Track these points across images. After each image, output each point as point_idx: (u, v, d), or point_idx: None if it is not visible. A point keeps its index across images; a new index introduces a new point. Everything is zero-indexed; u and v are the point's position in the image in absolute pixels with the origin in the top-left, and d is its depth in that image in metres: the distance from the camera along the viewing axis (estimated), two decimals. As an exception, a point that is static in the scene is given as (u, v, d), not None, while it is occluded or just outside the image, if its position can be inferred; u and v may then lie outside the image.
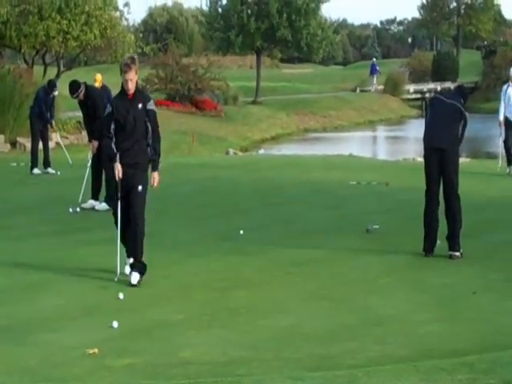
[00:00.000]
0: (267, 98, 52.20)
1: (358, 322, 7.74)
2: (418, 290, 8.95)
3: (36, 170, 18.91)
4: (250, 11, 50.91)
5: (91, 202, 14.05)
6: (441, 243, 10.54)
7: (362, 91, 62.58)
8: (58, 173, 18.88)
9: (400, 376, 5.75)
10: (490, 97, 57.56)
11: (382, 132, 52.06)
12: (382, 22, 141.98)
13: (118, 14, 33.74)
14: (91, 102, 13.79)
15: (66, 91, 14.51)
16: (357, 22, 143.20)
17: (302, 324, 7.72)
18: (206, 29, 54.74)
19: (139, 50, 33.54)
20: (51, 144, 20.93)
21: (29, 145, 20.69)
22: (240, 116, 44.37)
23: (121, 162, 9.11)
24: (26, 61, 33.48)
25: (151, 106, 9.23)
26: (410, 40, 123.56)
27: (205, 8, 55.10)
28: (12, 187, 17.07)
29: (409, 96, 65.05)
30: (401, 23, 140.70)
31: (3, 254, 10.61)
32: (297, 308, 8.27)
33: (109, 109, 9.27)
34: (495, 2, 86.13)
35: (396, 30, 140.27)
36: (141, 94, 9.37)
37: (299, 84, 64.46)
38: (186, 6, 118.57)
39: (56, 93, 19.31)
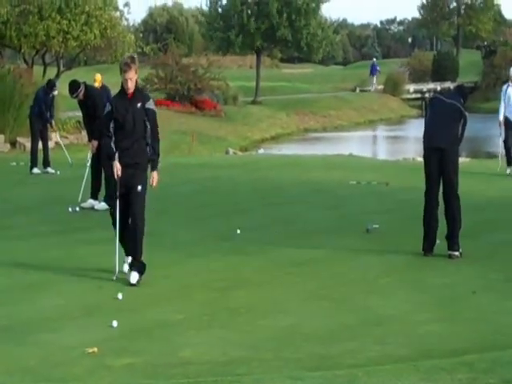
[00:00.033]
0: (267, 98, 52.20)
1: (358, 322, 7.74)
2: (417, 289, 8.95)
3: (36, 170, 18.92)
4: (250, 11, 50.90)
5: (91, 202, 14.05)
6: (440, 242, 10.54)
7: (361, 91, 62.59)
8: (58, 172, 18.88)
9: (400, 376, 5.75)
10: (490, 96, 57.58)
11: (382, 132, 52.05)
12: (382, 22, 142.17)
13: (118, 13, 33.79)
14: (91, 101, 13.79)
15: (66, 91, 14.51)
16: (357, 22, 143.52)
17: (301, 324, 7.72)
18: (205, 29, 54.73)
19: (139, 50, 33.55)
20: (51, 144, 20.94)
21: (28, 144, 20.69)
22: (240, 116, 44.37)
23: (120, 161, 9.10)
24: (25, 61, 33.49)
25: (150, 105, 9.22)
26: (410, 40, 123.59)
27: (205, 8, 55.10)
28: (12, 187, 17.07)
29: (409, 96, 65.06)
30: (401, 23, 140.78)
31: (3, 253, 10.61)
32: (297, 308, 8.27)
33: (108, 108, 9.26)
34: (495, 2, 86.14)
35: (396, 30, 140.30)
36: (140, 94, 9.35)
37: (299, 84, 64.47)
38: (186, 6, 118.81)
39: (55, 92, 19.31)
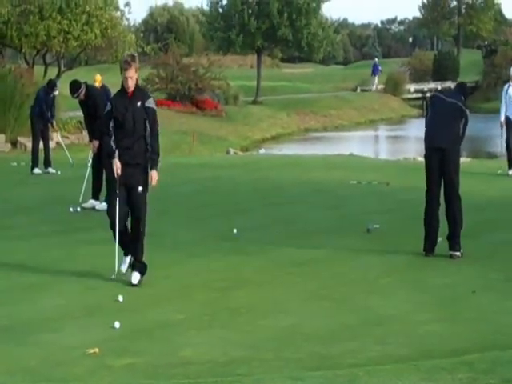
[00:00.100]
0: (268, 98, 52.19)
1: (359, 322, 7.75)
2: (418, 289, 8.96)
3: (36, 170, 18.92)
4: (250, 11, 50.92)
5: (92, 202, 14.06)
6: (442, 241, 10.54)
7: (362, 91, 62.59)
8: (59, 172, 18.89)
9: (400, 375, 5.76)
10: (491, 96, 57.58)
11: (382, 131, 52.05)
12: (382, 22, 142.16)
13: (118, 13, 33.78)
14: (92, 101, 13.80)
15: (67, 91, 14.51)
16: (357, 22, 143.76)
17: (302, 324, 7.72)
18: (206, 28, 54.74)
19: (140, 50, 33.55)
20: (52, 144, 20.94)
21: (29, 144, 20.70)
22: (240, 116, 44.37)
23: (120, 160, 9.05)
24: (26, 61, 33.48)
25: (150, 103, 9.15)
26: (410, 39, 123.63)
27: (205, 8, 55.15)
28: (13, 187, 17.08)
29: (409, 95, 65.02)
30: (401, 23, 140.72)
31: (4, 253, 10.61)
32: (297, 308, 8.28)
33: (108, 106, 9.24)
34: (496, 2, 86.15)
35: (397, 30, 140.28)
36: (140, 92, 9.29)
37: (300, 83, 64.46)
38: (186, 5, 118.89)
39: (56, 92, 19.32)
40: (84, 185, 14.54)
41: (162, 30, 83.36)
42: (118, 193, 9.09)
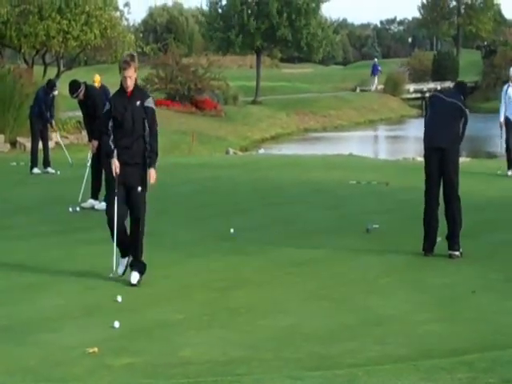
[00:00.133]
0: (267, 98, 52.20)
1: (358, 322, 7.75)
2: (417, 289, 8.96)
3: (36, 170, 18.92)
4: (250, 11, 50.91)
5: (91, 202, 14.06)
6: (441, 240, 10.54)
7: (362, 91, 62.60)
8: (58, 172, 18.89)
9: (400, 375, 5.76)
10: (490, 96, 57.62)
11: (382, 131, 52.06)
12: (382, 22, 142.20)
13: (118, 13, 33.79)
14: (91, 101, 13.80)
15: (66, 91, 14.51)
16: (357, 22, 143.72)
17: (301, 324, 7.72)
18: (205, 29, 54.73)
19: (139, 50, 33.53)
20: (51, 144, 20.94)
21: (29, 144, 20.70)
22: (240, 116, 44.38)
23: (119, 160, 9.03)
24: (26, 61, 33.48)
25: (149, 103, 9.13)
26: (410, 40, 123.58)
27: (205, 8, 55.12)
28: (12, 187, 17.08)
29: (409, 96, 65.07)
30: (401, 23, 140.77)
31: (3, 253, 10.61)
32: (297, 308, 8.28)
33: (107, 106, 9.22)
34: (495, 2, 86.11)
35: (396, 30, 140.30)
36: (139, 92, 9.27)
37: (299, 84, 64.47)
38: (186, 5, 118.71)
39: (56, 92, 19.31)
40: (83, 185, 14.54)
41: (161, 30, 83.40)
42: (116, 192, 9.08)
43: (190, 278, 9.47)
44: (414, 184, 14.32)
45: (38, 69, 32.96)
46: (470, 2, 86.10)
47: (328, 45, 54.39)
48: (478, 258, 10.42)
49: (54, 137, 22.62)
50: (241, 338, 7.27)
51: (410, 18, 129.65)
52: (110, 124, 9.12)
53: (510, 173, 18.43)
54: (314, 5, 51.47)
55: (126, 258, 9.30)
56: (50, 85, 19.16)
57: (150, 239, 9.64)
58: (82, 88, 13.87)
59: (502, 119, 18.54)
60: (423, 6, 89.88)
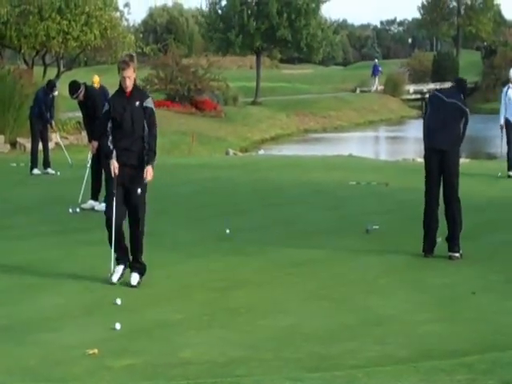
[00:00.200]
0: (267, 99, 52.20)
1: (358, 322, 7.75)
2: (417, 290, 8.96)
3: (36, 171, 18.92)
4: (249, 11, 50.91)
5: (91, 203, 14.06)
6: (441, 241, 10.53)
7: (361, 92, 62.60)
8: (58, 173, 18.89)
9: (400, 377, 5.76)
10: (490, 97, 57.66)
11: (381, 132, 52.07)
12: (381, 23, 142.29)
13: (118, 14, 33.74)
14: (91, 102, 13.80)
15: (66, 92, 14.51)
16: (357, 23, 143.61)
17: (301, 324, 7.72)
18: (205, 30, 54.73)
19: (139, 51, 33.49)
20: (51, 144, 20.94)
21: (29, 145, 20.70)
22: (240, 116, 44.37)
23: (119, 161, 9.00)
24: (25, 61, 33.47)
25: (149, 103, 9.08)
26: (409, 40, 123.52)
27: (204, 8, 55.08)
28: (12, 187, 17.08)
29: (409, 96, 65.06)
30: (401, 24, 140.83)
31: (3, 253, 10.61)
32: (297, 308, 8.28)
33: (106, 107, 9.19)
34: (495, 3, 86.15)
35: (396, 31, 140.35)
36: (139, 92, 9.22)
37: (299, 84, 64.48)
38: (186, 6, 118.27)
39: (56, 93, 19.30)
40: (83, 185, 14.54)
41: (161, 31, 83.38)
42: (114, 193, 9.06)
43: (190, 278, 9.47)
44: (413, 185, 14.33)
45: (37, 69, 32.95)
46: (469, 2, 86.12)
47: (328, 45, 54.44)
48: (478, 258, 10.43)
49: (54, 137, 22.63)
50: (241, 338, 7.27)
51: (409, 19, 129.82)
52: (109, 125, 9.09)
53: (511, 173, 18.39)
54: (313, 5, 51.47)
55: (122, 266, 9.19)
56: (50, 85, 19.16)
57: (150, 239, 9.64)
58: (82, 89, 13.87)
59: (502, 121, 18.48)
60: (423, 6, 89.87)
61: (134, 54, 9.42)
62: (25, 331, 7.43)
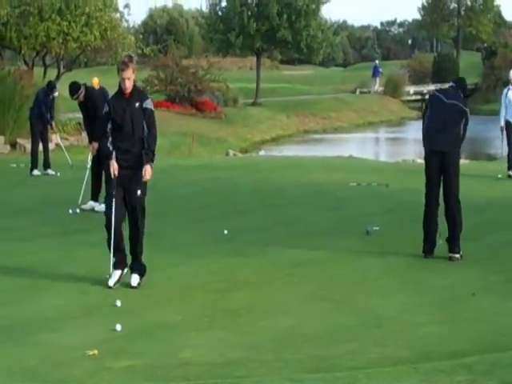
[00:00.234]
0: (267, 100, 52.18)
1: (358, 323, 7.75)
2: (417, 291, 8.96)
3: (36, 172, 18.92)
4: (250, 13, 50.91)
5: (91, 204, 14.07)
6: (442, 243, 10.52)
7: (362, 93, 62.60)
8: (58, 174, 18.89)
9: (400, 378, 5.76)
10: (491, 98, 57.63)
11: (381, 133, 52.05)
12: (382, 24, 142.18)
13: (118, 15, 33.71)
14: (91, 103, 13.80)
15: (66, 92, 14.51)
16: (357, 24, 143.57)
17: (302, 325, 7.72)
18: (205, 31, 54.73)
19: (139, 51, 33.50)
20: (51, 145, 20.94)
21: (29, 146, 20.69)
22: (240, 117, 44.36)
23: (119, 163, 8.99)
24: (26, 62, 33.46)
25: (148, 104, 9.05)
26: (410, 41, 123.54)
27: (205, 9, 55.08)
28: (12, 188, 17.08)
29: (409, 97, 65.03)
30: (401, 25, 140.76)
31: (4, 255, 10.61)
32: (297, 309, 8.28)
33: (106, 108, 9.16)
34: (495, 4, 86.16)
35: (396, 32, 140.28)
36: (138, 93, 9.18)
37: (299, 85, 64.45)
38: (186, 7, 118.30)
39: (56, 94, 19.30)
40: (83, 186, 14.54)
41: (161, 32, 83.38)
42: (114, 194, 9.05)
43: (191, 279, 9.47)
44: (413, 186, 14.33)
45: (38, 70, 32.94)
46: (470, 3, 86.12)
47: (328, 46, 54.41)
48: (478, 259, 10.43)
49: (54, 138, 22.63)
50: (241, 339, 7.27)
51: (409, 20, 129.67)
52: (109, 126, 9.08)
53: (511, 173, 18.38)
54: (313, 6, 51.45)
55: (120, 271, 9.12)
56: (50, 86, 19.16)
57: (150, 240, 9.65)
58: (82, 90, 13.87)
59: (502, 123, 18.46)
60: (423, 7, 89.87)
61: (133, 55, 9.39)
62: (25, 332, 7.43)
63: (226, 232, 11.89)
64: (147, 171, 8.95)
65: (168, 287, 9.08)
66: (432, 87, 64.13)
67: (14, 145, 25.46)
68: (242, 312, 8.11)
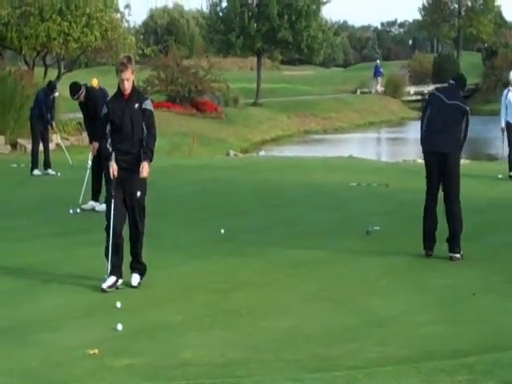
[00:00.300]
0: (268, 100, 52.18)
1: (359, 323, 7.75)
2: (418, 291, 8.96)
3: (36, 172, 18.93)
4: (250, 13, 50.92)
5: (91, 203, 14.07)
6: (445, 248, 10.51)
7: (362, 93, 62.60)
8: (59, 174, 18.90)
9: (400, 377, 5.76)
10: (491, 98, 57.62)
11: (382, 134, 52.02)
12: (382, 24, 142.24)
13: (118, 15, 33.73)
14: (92, 103, 13.81)
15: (67, 93, 14.52)
16: (357, 24, 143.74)
17: (302, 325, 7.72)
18: (206, 31, 54.74)
19: (140, 52, 33.52)
20: (52, 145, 20.95)
21: (29, 146, 20.70)
22: (240, 118, 44.37)
23: (118, 164, 8.96)
24: (26, 62, 33.47)
25: (147, 105, 9.02)
26: (410, 42, 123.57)
27: (205, 10, 55.11)
28: (12, 188, 17.08)
29: (409, 98, 65.06)
30: (401, 25, 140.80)
31: (4, 255, 10.61)
32: (298, 309, 8.28)
33: (105, 110, 9.12)
34: (495, 4, 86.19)
35: (397, 32, 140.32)
36: (137, 94, 9.16)
37: (300, 86, 64.46)
38: (186, 8, 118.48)
39: (56, 94, 19.32)
40: (84, 186, 14.55)
41: (162, 32, 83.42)
42: (113, 194, 9.04)
43: (191, 279, 9.47)
44: (414, 186, 14.33)
45: (38, 70, 32.95)
46: (470, 4, 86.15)
47: (328, 47, 54.45)
48: (478, 259, 10.42)
49: (55, 138, 22.63)
50: (241, 339, 7.27)
51: (410, 20, 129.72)
52: (108, 127, 9.05)
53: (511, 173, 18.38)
54: (314, 7, 51.44)
55: (114, 278, 8.98)
56: (51, 86, 19.17)
57: (151, 241, 9.65)
58: (83, 90, 13.88)
59: (503, 124, 18.45)
60: (424, 8, 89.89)
61: (132, 56, 9.36)
62: (26, 332, 7.43)
63: (222, 231, 11.88)
64: (144, 168, 8.90)
65: (168, 287, 9.08)
66: (432, 87, 64.20)
67: (14, 145, 25.47)
68: (242, 312, 8.10)
